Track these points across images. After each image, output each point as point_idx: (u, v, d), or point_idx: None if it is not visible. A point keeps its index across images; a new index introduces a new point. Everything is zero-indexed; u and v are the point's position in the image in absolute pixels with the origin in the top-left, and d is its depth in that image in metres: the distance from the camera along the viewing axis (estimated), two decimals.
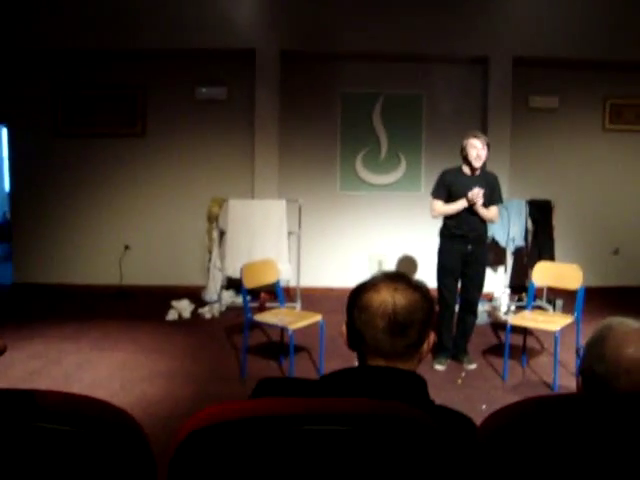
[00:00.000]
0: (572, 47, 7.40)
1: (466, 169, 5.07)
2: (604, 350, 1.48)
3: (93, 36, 7.36)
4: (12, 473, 0.86)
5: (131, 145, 7.95)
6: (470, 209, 5.01)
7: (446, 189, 5.10)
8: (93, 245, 8.04)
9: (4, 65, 7.78)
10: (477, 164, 4.98)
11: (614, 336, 1.49)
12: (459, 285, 5.26)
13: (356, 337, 1.52)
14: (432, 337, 1.56)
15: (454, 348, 5.29)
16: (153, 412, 4.17)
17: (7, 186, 9.63)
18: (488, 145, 5.00)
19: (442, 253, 5.19)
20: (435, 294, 5.51)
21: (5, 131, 8.78)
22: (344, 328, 1.59)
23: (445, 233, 5.19)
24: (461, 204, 4.99)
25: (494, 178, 5.19)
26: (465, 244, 5.07)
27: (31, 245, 8.04)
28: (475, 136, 4.99)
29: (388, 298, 1.48)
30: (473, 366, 5.16)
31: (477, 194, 4.89)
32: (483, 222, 5.15)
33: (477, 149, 4.94)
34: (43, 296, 7.65)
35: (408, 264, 7.83)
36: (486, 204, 5.05)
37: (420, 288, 1.56)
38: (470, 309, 5.24)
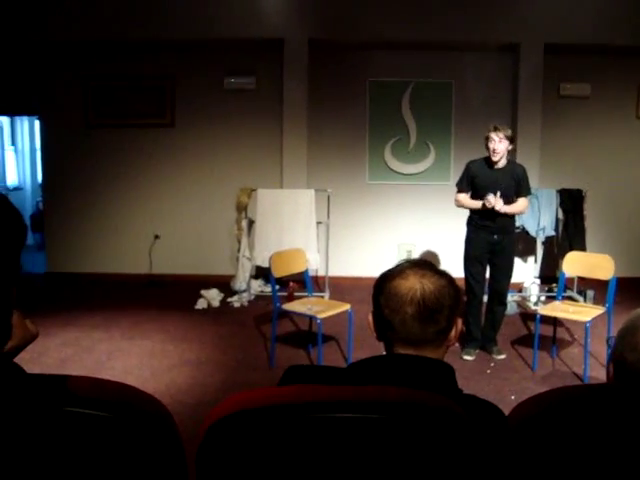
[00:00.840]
0: (604, 33, 7.26)
1: (491, 161, 4.99)
2: (636, 339, 1.46)
3: (122, 28, 7.40)
4: (42, 457, 0.87)
5: (160, 135, 8.00)
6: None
7: (470, 181, 5.08)
8: (123, 235, 8.12)
9: (36, 59, 7.87)
10: (495, 158, 4.91)
11: None
12: (487, 275, 5.22)
13: (384, 325, 1.51)
14: (459, 324, 1.56)
15: (483, 338, 5.26)
16: (182, 399, 4.21)
17: (40, 177, 9.75)
18: (509, 138, 4.89)
19: (469, 242, 5.16)
20: (462, 284, 5.49)
21: (38, 123, 8.89)
22: (370, 318, 1.58)
23: (472, 222, 5.16)
24: (479, 204, 4.95)
25: (522, 170, 5.11)
26: (491, 233, 5.03)
27: (63, 235, 8.15)
28: (492, 129, 4.90)
29: (416, 284, 1.48)
30: (502, 356, 5.13)
31: (494, 201, 4.83)
32: (511, 218, 5.13)
33: (494, 142, 4.87)
34: (75, 285, 7.75)
35: (437, 254, 7.79)
36: (512, 196, 5.00)
37: (446, 274, 1.55)
38: (499, 299, 5.20)
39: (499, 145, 4.86)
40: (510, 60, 7.71)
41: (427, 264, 1.57)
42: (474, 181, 5.05)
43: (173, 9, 7.34)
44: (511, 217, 5.12)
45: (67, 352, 5.21)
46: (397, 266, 1.57)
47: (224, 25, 7.34)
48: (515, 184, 5.01)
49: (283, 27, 7.41)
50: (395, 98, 7.87)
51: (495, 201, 4.84)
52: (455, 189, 5.23)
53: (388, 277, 1.53)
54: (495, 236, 5.03)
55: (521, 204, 5.08)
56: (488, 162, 5.02)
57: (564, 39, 7.33)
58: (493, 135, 4.87)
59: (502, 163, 4.99)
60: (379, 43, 7.59)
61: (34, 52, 7.81)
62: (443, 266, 1.58)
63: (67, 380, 0.96)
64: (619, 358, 1.49)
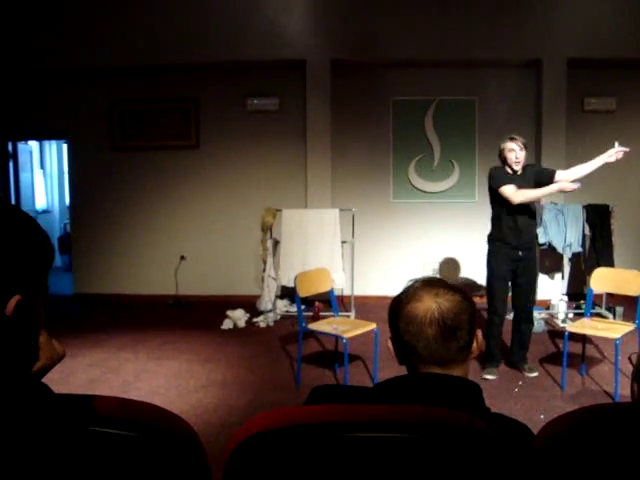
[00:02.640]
0: (628, 46, 7.21)
1: (509, 169, 4.97)
2: None
3: (147, 52, 7.51)
4: (69, 477, 0.87)
5: (185, 157, 8.08)
6: (528, 213, 4.94)
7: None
8: (149, 256, 8.19)
9: (64, 83, 8.01)
10: (517, 167, 4.90)
11: None
12: (510, 293, 5.17)
13: (406, 350, 1.49)
14: (479, 335, 1.54)
15: (513, 356, 5.21)
16: (208, 420, 4.21)
17: (67, 200, 9.89)
18: (526, 145, 4.93)
19: (492, 259, 5.09)
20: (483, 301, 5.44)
21: (66, 147, 9.03)
22: (390, 344, 1.57)
23: (495, 238, 5.07)
24: (554, 188, 4.82)
25: (532, 167, 5.15)
26: (515, 249, 4.98)
27: (90, 257, 8.24)
28: (512, 139, 4.90)
29: (432, 305, 1.46)
30: (535, 374, 5.05)
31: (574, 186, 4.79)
32: (534, 226, 5.11)
33: (515, 151, 4.86)
34: (102, 306, 7.82)
35: (462, 272, 7.74)
36: (547, 183, 4.90)
37: (458, 289, 1.54)
38: (525, 317, 5.14)
39: (521, 153, 4.87)
40: (533, 76, 7.69)
41: (438, 281, 1.56)
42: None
43: (196, 33, 7.44)
44: (534, 230, 5.10)
45: (94, 373, 5.24)
46: (408, 288, 1.55)
47: (247, 47, 7.42)
48: (538, 176, 4.97)
49: (305, 48, 7.47)
50: (418, 116, 7.88)
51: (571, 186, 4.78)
52: (501, 189, 4.91)
53: (402, 301, 1.51)
54: (520, 252, 4.98)
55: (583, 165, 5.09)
56: (506, 170, 4.98)
57: (587, 53, 7.29)
58: (513, 145, 4.86)
59: (520, 170, 4.96)
60: (401, 62, 7.62)
61: (61, 78, 7.95)
62: (468, 284, 1.57)
63: (94, 400, 0.96)
64: None
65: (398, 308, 1.52)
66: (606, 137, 7.69)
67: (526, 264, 5.03)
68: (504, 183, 4.88)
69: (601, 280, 5.09)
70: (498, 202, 5.00)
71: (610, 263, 6.88)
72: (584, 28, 7.26)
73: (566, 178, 4.95)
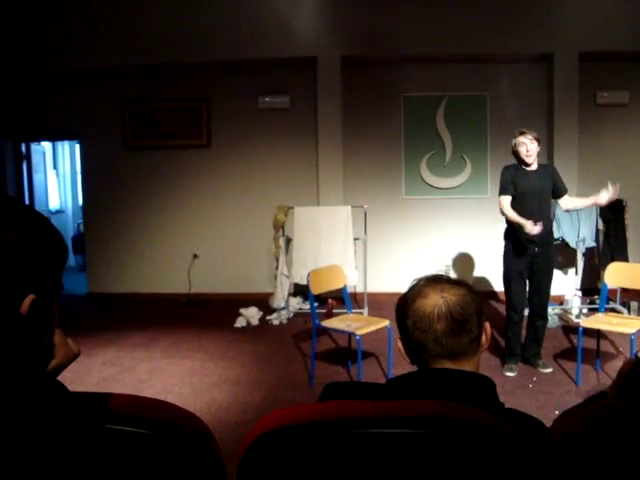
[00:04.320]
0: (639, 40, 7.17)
1: (524, 165, 4.98)
2: None
3: (158, 51, 7.53)
4: (85, 475, 0.88)
5: (197, 156, 8.10)
6: (541, 207, 4.93)
7: (512, 184, 5.00)
8: (162, 255, 8.22)
9: (76, 84, 8.05)
10: (529, 160, 4.91)
11: None
12: (527, 289, 5.15)
13: (416, 348, 1.49)
14: (488, 327, 1.54)
15: (527, 353, 5.19)
16: (222, 417, 4.22)
17: (80, 200, 9.94)
18: (537, 139, 4.92)
19: (508, 256, 5.06)
20: (502, 298, 5.42)
21: (78, 147, 9.08)
22: (400, 344, 1.56)
23: (512, 234, 5.05)
24: (521, 221, 4.84)
25: (554, 170, 5.13)
26: (532, 246, 4.96)
27: (104, 256, 8.28)
28: (522, 133, 4.92)
29: (439, 300, 1.46)
30: (549, 370, 5.03)
31: (533, 229, 4.75)
32: (550, 221, 5.08)
33: (526, 145, 4.87)
34: (116, 305, 7.86)
35: (475, 268, 7.72)
36: (550, 197, 5.01)
37: (463, 282, 1.55)
38: (540, 313, 5.11)
39: (532, 146, 4.88)
40: (544, 70, 7.65)
41: (441, 277, 1.56)
42: (516, 185, 4.98)
43: (206, 31, 7.46)
44: (551, 228, 5.08)
45: (109, 371, 5.27)
46: (413, 287, 1.55)
47: (257, 45, 7.43)
48: (552, 184, 4.99)
49: (316, 46, 7.47)
50: (430, 112, 7.86)
51: (534, 228, 4.76)
52: (499, 197, 5.09)
53: (408, 300, 1.51)
54: (536, 248, 4.95)
55: (569, 201, 5.09)
56: (521, 167, 5.00)
57: (598, 47, 7.25)
58: (523, 139, 4.89)
59: (535, 165, 4.97)
60: (412, 58, 7.60)
61: (74, 78, 7.99)
62: (481, 281, 1.57)
63: (108, 398, 0.97)
64: None
65: (405, 307, 1.52)
66: (619, 131, 7.70)
67: (543, 260, 5.00)
68: (504, 191, 5.01)
69: (615, 275, 5.06)
70: (514, 198, 5.01)
71: (624, 258, 6.83)
72: (595, 22, 7.22)
73: (564, 205, 5.09)
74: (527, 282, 5.11)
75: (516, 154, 4.97)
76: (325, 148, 7.67)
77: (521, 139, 4.90)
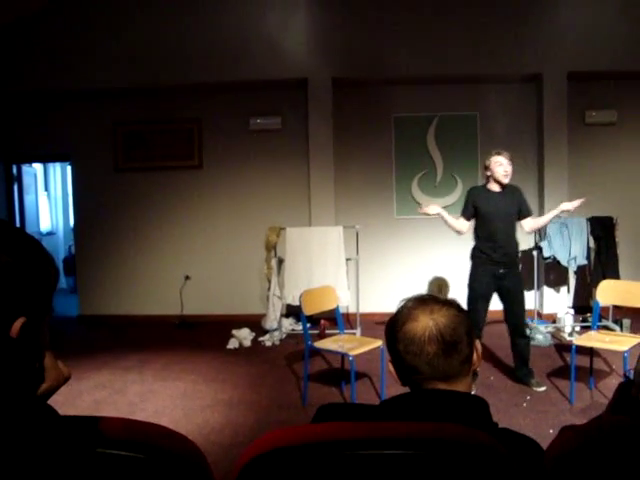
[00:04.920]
0: (628, 59, 7.24)
1: (492, 186, 5.03)
2: None
3: (149, 74, 7.57)
4: None
5: (189, 177, 8.11)
6: (505, 228, 4.99)
7: (473, 207, 5.06)
8: (154, 276, 8.20)
9: (67, 105, 8.07)
10: (506, 180, 4.95)
11: None
12: (499, 309, 5.21)
13: (408, 371, 1.48)
14: (478, 345, 1.54)
15: (518, 372, 5.21)
16: (215, 440, 4.19)
17: (72, 222, 9.92)
18: (512, 160, 5.00)
19: (473, 277, 5.11)
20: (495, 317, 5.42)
21: (69, 168, 9.07)
22: (391, 367, 1.55)
23: (476, 255, 5.11)
24: (448, 220, 5.10)
25: (520, 192, 5.13)
26: (497, 266, 4.99)
27: (95, 278, 8.25)
28: (499, 153, 4.97)
29: (429, 322, 1.46)
30: (542, 388, 5.03)
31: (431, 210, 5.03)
32: (516, 242, 5.12)
33: (504, 165, 4.92)
34: (107, 327, 7.82)
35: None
36: (515, 219, 5.08)
37: (452, 302, 1.54)
38: (519, 333, 5.13)
39: (509, 167, 4.93)
40: (534, 90, 7.72)
41: (430, 298, 1.55)
42: (478, 207, 5.04)
43: (197, 54, 7.50)
44: (517, 248, 5.13)
45: (100, 394, 5.23)
46: (401, 309, 1.54)
47: (248, 67, 7.48)
48: (517, 206, 5.04)
49: (306, 67, 7.52)
50: (420, 132, 7.90)
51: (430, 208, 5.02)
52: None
53: (398, 323, 1.50)
54: (501, 270, 5.00)
55: (532, 223, 5.17)
56: (488, 188, 5.06)
57: (587, 67, 7.33)
58: (501, 159, 4.94)
59: (501, 186, 5.02)
60: (402, 79, 7.65)
61: (65, 99, 8.01)
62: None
63: (100, 422, 0.96)
64: None
65: (394, 331, 1.51)
66: (608, 149, 7.76)
67: (511, 281, 5.04)
68: (462, 213, 5.15)
69: (607, 292, 5.07)
70: (477, 219, 5.11)
71: (616, 275, 6.86)
72: (583, 42, 7.30)
73: (527, 227, 5.17)
74: (504, 302, 5.15)
75: (490, 174, 5.01)
76: (317, 169, 7.69)
77: (499, 159, 4.94)
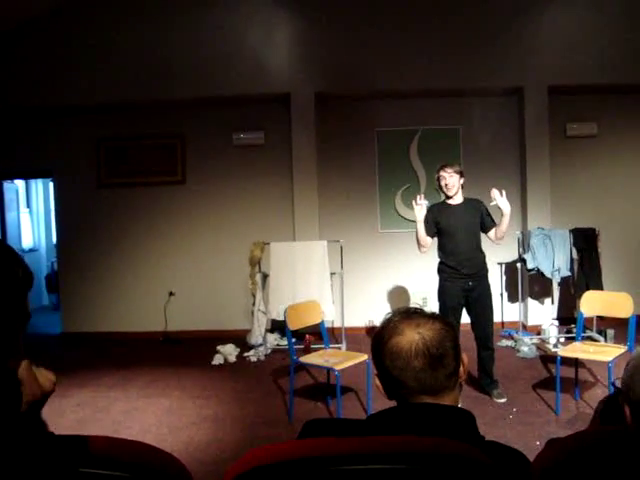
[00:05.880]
0: (607, 72, 7.33)
1: (450, 201, 5.17)
2: None
3: (132, 89, 7.56)
4: None
5: (172, 193, 8.08)
6: (467, 240, 5.07)
7: (433, 223, 5.15)
8: (138, 293, 8.15)
9: (49, 121, 8.04)
10: (450, 192, 5.10)
11: None
12: (469, 321, 5.23)
13: (395, 385, 1.48)
14: (465, 358, 1.54)
15: (482, 382, 5.28)
16: (200, 457, 4.15)
17: (54, 238, 9.85)
18: (459, 172, 5.12)
19: (442, 292, 5.18)
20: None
21: (52, 185, 9.03)
22: (377, 381, 1.55)
23: (443, 270, 5.19)
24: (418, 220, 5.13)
25: (480, 203, 5.22)
26: (465, 279, 5.05)
27: (78, 295, 8.18)
28: (442, 167, 5.14)
29: (415, 336, 1.46)
30: (503, 400, 5.08)
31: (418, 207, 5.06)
32: (482, 254, 5.16)
33: (445, 178, 5.08)
34: (91, 345, 7.75)
35: None
36: (477, 231, 5.16)
37: (437, 316, 1.54)
38: (485, 345, 5.18)
39: (450, 179, 5.07)
40: (515, 103, 7.79)
41: (416, 311, 1.55)
42: (439, 223, 5.13)
43: (181, 69, 7.51)
44: (483, 259, 5.18)
45: (84, 413, 5.17)
46: (387, 323, 1.54)
47: (231, 82, 7.49)
48: (479, 218, 5.13)
49: (289, 82, 7.54)
50: (403, 146, 7.93)
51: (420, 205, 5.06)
52: None
53: (384, 338, 1.50)
54: (470, 282, 5.06)
55: (496, 231, 5.13)
56: (447, 203, 5.19)
57: (567, 80, 7.41)
58: (443, 173, 5.12)
59: (459, 199, 5.15)
60: (385, 93, 7.69)
61: (47, 116, 7.98)
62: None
63: (83, 440, 0.95)
64: (634, 398, 1.48)
65: (381, 345, 1.51)
66: (589, 161, 7.84)
67: (478, 292, 5.10)
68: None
69: (591, 303, 5.11)
70: (440, 234, 5.18)
71: (599, 286, 6.90)
72: (563, 56, 7.38)
73: (492, 237, 5.19)
74: (470, 314, 5.20)
75: (440, 187, 5.19)
76: (300, 183, 7.69)
77: (440, 173, 5.14)
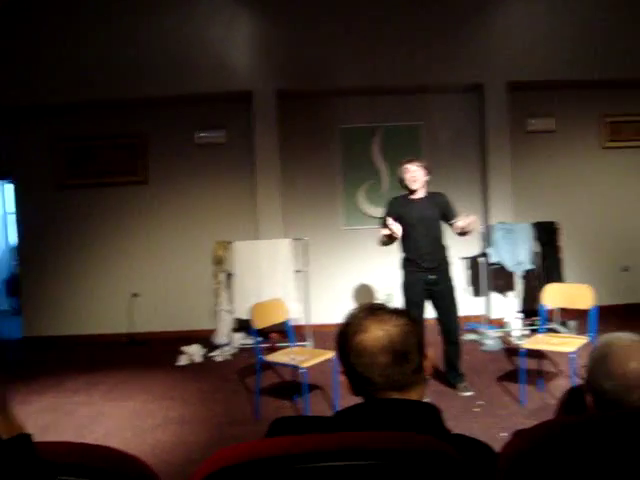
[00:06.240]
0: (565, 69, 7.46)
1: (412, 195, 5.15)
2: (609, 367, 1.49)
3: (91, 88, 7.45)
4: None
5: (134, 193, 8.00)
6: (428, 234, 5.06)
7: (395, 217, 5.07)
8: (101, 295, 8.04)
9: (6, 122, 7.88)
10: (413, 186, 5.08)
11: (616, 352, 1.52)
12: (434, 315, 5.26)
13: (361, 382, 1.48)
14: (430, 354, 1.55)
15: (448, 376, 5.31)
16: (167, 459, 4.12)
17: (13, 241, 9.68)
18: (425, 168, 5.10)
19: (405, 286, 5.19)
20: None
21: (10, 187, 8.85)
22: (343, 378, 1.55)
23: (405, 264, 5.21)
24: (390, 230, 4.96)
25: (444, 197, 5.21)
26: (427, 273, 5.07)
27: (40, 298, 8.05)
28: (408, 161, 5.13)
29: (380, 333, 1.46)
30: (468, 393, 5.13)
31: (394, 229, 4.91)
32: (443, 247, 5.17)
33: (410, 172, 5.07)
34: (54, 349, 7.63)
35: None
36: (439, 225, 5.15)
37: (401, 312, 1.55)
38: (450, 339, 5.21)
39: (416, 173, 5.06)
40: (476, 100, 7.86)
41: (380, 307, 1.55)
42: (400, 217, 5.08)
43: (141, 67, 7.43)
44: (444, 252, 5.19)
45: (47, 419, 5.08)
46: (352, 319, 1.54)
47: (193, 80, 7.44)
48: (440, 212, 5.11)
49: (251, 80, 7.51)
50: (366, 143, 7.96)
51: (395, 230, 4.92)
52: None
53: (349, 335, 1.51)
54: (430, 276, 5.08)
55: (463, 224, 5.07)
56: (409, 197, 5.17)
57: (526, 76, 7.52)
58: (409, 166, 5.10)
59: (422, 193, 5.13)
60: (347, 90, 7.71)
61: (3, 116, 7.82)
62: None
63: (47, 446, 0.93)
64: (596, 387, 1.51)
65: (346, 342, 1.51)
66: (549, 156, 7.96)
67: (441, 287, 5.12)
68: (382, 225, 5.11)
69: (553, 296, 5.18)
70: (403, 227, 5.12)
71: (561, 279, 7.02)
72: (522, 52, 7.49)
73: (454, 230, 5.13)
74: (435, 308, 5.21)
75: (402, 181, 5.15)
76: (263, 181, 7.67)
77: (407, 166, 5.11)
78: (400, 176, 5.18)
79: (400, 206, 5.15)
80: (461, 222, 5.01)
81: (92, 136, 7.98)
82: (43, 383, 6.07)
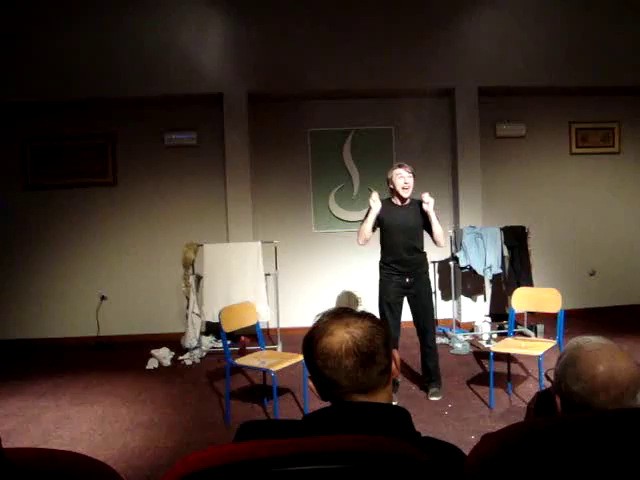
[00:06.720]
0: (535, 75, 7.56)
1: (396, 200, 5.10)
2: (578, 369, 1.51)
3: (59, 87, 7.37)
4: None
5: (103, 194, 7.92)
6: (408, 241, 5.03)
7: (377, 221, 5.09)
8: (68, 298, 7.94)
9: None
10: (405, 194, 5.02)
11: (584, 355, 1.54)
12: (409, 318, 5.28)
13: (328, 385, 1.48)
14: (396, 354, 1.56)
15: (424, 379, 5.31)
16: (136, 464, 4.07)
17: None
18: (414, 174, 5.05)
19: (382, 288, 5.16)
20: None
21: None
22: (311, 383, 1.55)
23: (382, 266, 5.19)
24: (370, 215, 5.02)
25: (421, 203, 5.14)
26: (403, 277, 5.07)
27: (6, 301, 7.92)
28: (400, 165, 5.04)
29: (345, 336, 1.46)
30: (437, 398, 5.12)
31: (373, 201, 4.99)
32: (421, 254, 5.15)
33: (404, 178, 4.99)
34: (19, 352, 7.51)
35: None
36: (421, 231, 5.12)
37: (367, 314, 1.55)
38: (426, 343, 5.19)
39: (409, 179, 5.00)
40: (447, 104, 7.92)
41: (345, 310, 1.56)
42: (382, 220, 5.09)
43: (111, 68, 7.35)
44: (422, 258, 5.17)
45: (11, 424, 4.99)
46: (317, 324, 1.55)
47: (163, 82, 7.39)
48: (421, 219, 5.06)
49: (222, 82, 7.48)
50: (336, 147, 7.97)
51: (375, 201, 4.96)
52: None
53: (314, 339, 1.51)
54: (407, 279, 5.07)
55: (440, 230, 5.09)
56: (392, 202, 5.12)
57: (497, 82, 7.60)
58: (402, 171, 5.00)
59: (408, 200, 5.08)
60: (318, 93, 7.72)
61: None
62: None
63: (10, 453, 0.91)
64: (564, 390, 1.53)
65: (311, 346, 1.51)
66: (518, 161, 8.06)
67: (417, 291, 5.10)
68: (363, 221, 5.11)
69: (521, 300, 5.23)
70: (382, 231, 5.14)
71: (529, 282, 7.09)
72: (492, 58, 7.56)
73: (434, 238, 5.12)
74: (411, 312, 5.20)
75: (392, 187, 5.07)
76: (233, 184, 7.64)
77: (399, 170, 5.01)
78: (390, 179, 5.07)
79: (383, 209, 5.07)
80: (426, 206, 4.97)
81: (60, 136, 7.88)
82: (8, 387, 5.97)
